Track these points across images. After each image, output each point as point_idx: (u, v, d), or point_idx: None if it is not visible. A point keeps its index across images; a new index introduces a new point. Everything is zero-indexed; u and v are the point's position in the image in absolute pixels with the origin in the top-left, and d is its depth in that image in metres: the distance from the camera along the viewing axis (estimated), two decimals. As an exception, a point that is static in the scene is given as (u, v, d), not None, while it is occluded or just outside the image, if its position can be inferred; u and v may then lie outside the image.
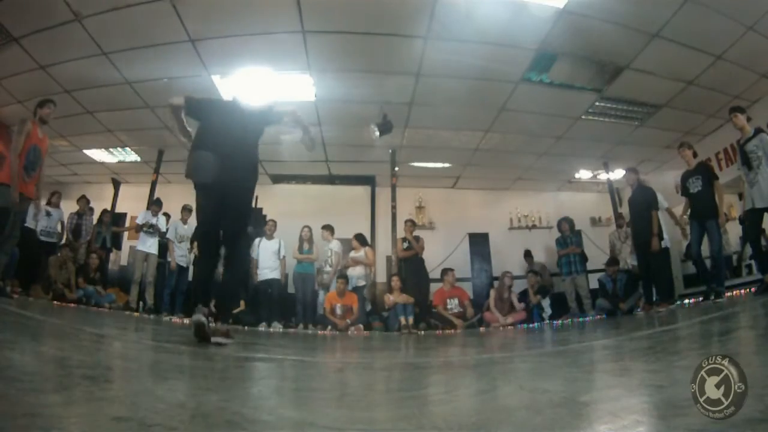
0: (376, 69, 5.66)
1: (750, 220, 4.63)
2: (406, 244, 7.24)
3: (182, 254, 6.98)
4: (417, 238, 7.34)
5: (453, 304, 6.67)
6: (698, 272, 5.29)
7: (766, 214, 4.51)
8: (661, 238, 5.48)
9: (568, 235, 7.34)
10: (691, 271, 5.84)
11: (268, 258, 6.78)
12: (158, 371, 1.54)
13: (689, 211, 5.23)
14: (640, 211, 5.58)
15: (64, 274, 6.15)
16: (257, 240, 6.99)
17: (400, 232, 7.49)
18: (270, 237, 6.95)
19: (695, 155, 5.29)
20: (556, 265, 7.50)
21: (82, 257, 6.76)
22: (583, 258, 7.19)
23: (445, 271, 7.03)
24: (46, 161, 4.61)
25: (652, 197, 5.60)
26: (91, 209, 7.23)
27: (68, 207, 6.93)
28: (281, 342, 4.11)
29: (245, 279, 6.36)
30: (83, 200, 7.00)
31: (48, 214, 6.16)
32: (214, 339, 2.63)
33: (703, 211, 4.97)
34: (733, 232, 6.94)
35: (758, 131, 4.60)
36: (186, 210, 7.15)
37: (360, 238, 7.20)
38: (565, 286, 7.17)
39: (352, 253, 7.01)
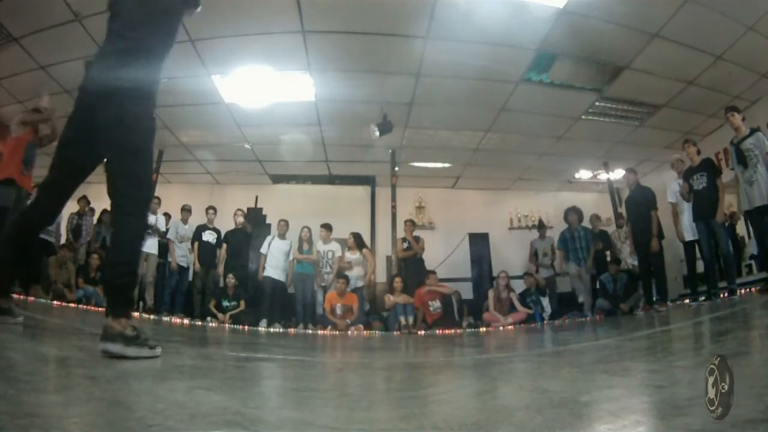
0: (376, 69, 5.66)
1: (753, 220, 4.60)
2: (405, 245, 7.24)
3: (182, 254, 6.99)
4: (417, 239, 7.33)
5: (435, 305, 6.61)
6: (708, 271, 5.08)
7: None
8: (661, 237, 5.47)
9: (576, 227, 6.70)
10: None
11: (278, 258, 6.78)
12: (158, 371, 1.54)
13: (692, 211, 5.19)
14: (640, 211, 5.56)
15: (64, 274, 6.14)
16: (269, 238, 7.01)
17: (400, 232, 7.49)
18: (282, 237, 6.95)
19: (699, 152, 5.27)
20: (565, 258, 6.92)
21: (82, 257, 6.76)
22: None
23: (426, 274, 6.85)
24: (46, 161, 4.66)
25: (651, 197, 5.59)
26: (92, 209, 7.23)
27: (68, 207, 6.92)
28: (281, 342, 4.11)
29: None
30: (84, 200, 6.99)
31: None
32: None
33: (707, 210, 4.91)
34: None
35: (754, 130, 4.60)
36: (185, 210, 7.16)
37: (357, 239, 7.07)
38: (570, 277, 6.64)
39: (348, 254, 6.96)
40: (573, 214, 6.77)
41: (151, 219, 6.71)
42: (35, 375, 1.26)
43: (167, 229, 6.94)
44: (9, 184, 4.24)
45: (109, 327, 1.62)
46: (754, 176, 4.42)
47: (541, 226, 8.04)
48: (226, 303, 6.46)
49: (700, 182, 5.03)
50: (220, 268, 6.86)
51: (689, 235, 5.54)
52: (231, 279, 6.56)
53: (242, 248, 7.13)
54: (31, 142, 4.48)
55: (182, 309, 6.77)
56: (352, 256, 6.93)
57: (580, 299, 6.60)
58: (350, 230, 7.23)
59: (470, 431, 1.00)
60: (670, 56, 5.29)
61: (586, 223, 7.23)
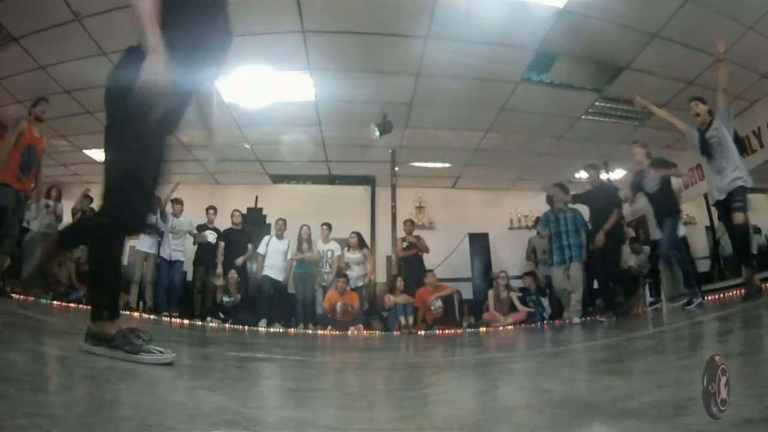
0: (376, 69, 5.66)
1: (722, 212, 4.25)
2: (405, 244, 7.24)
3: (175, 248, 6.89)
4: (417, 238, 7.34)
5: (436, 305, 6.57)
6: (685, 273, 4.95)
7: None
8: (620, 239, 5.30)
9: (562, 207, 5.59)
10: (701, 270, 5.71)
11: (277, 257, 6.77)
12: (158, 371, 1.54)
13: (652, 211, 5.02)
14: (603, 209, 5.35)
15: (64, 274, 6.15)
16: (266, 237, 7.01)
17: (400, 232, 7.49)
18: (280, 236, 6.94)
19: (649, 155, 5.07)
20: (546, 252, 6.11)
21: (83, 256, 6.74)
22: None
23: (425, 273, 6.81)
24: (46, 161, 4.64)
25: (615, 196, 5.48)
26: (91, 203, 7.12)
27: (67, 207, 6.89)
28: (281, 342, 4.11)
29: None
30: (87, 198, 6.92)
31: (47, 206, 6.06)
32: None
33: (664, 210, 4.77)
34: (699, 236, 7.32)
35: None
36: (177, 203, 7.02)
37: (360, 238, 7.11)
38: (555, 279, 5.59)
39: (348, 254, 6.95)
40: (559, 190, 5.61)
41: (151, 219, 6.70)
42: (35, 375, 1.27)
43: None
44: (5, 187, 4.24)
45: (88, 328, 1.68)
46: (722, 164, 4.13)
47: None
48: (225, 298, 6.49)
49: (652, 186, 4.83)
50: (219, 268, 6.83)
51: (657, 234, 5.35)
52: (233, 275, 6.56)
53: (240, 247, 7.12)
54: (29, 145, 4.44)
55: (178, 305, 6.69)
56: (353, 255, 6.93)
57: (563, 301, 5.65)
58: (350, 230, 7.24)
59: (470, 431, 1.01)
60: (670, 56, 5.28)
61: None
